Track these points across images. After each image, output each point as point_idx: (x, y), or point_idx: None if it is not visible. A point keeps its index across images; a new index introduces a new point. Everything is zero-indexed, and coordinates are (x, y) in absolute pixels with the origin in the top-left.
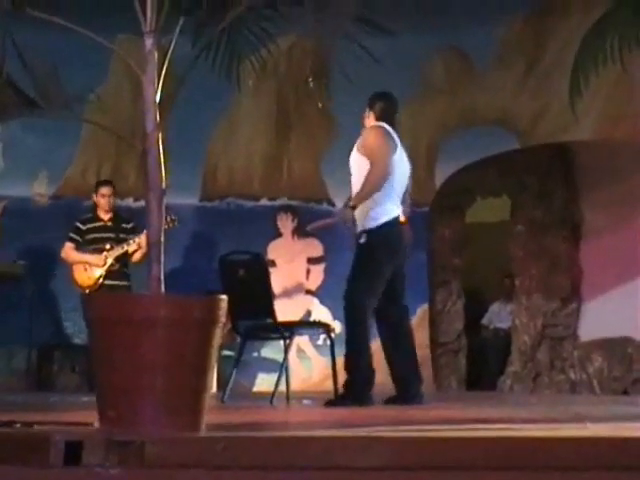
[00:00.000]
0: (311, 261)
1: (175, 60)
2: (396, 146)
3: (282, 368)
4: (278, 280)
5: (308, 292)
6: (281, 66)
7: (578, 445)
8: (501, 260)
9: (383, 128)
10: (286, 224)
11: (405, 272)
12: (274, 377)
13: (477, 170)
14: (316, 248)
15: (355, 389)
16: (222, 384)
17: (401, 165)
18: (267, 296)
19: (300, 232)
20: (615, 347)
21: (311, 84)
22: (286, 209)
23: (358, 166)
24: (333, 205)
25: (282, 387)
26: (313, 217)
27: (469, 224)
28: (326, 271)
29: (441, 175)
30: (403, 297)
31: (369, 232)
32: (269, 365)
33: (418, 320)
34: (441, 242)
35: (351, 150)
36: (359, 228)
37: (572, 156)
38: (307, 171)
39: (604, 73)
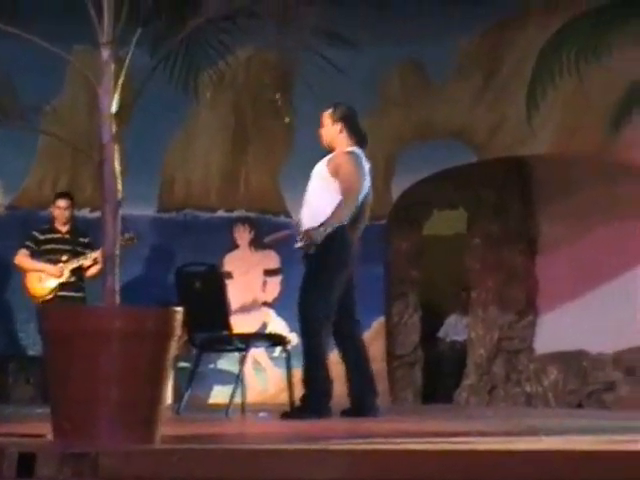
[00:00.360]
0: (268, 273)
1: (133, 71)
2: (365, 173)
3: (238, 380)
4: (234, 292)
5: (264, 304)
6: (239, 78)
7: (532, 458)
8: (458, 273)
9: (357, 156)
10: (243, 236)
11: (354, 284)
12: (230, 389)
13: (434, 183)
14: (273, 260)
15: (312, 401)
16: (178, 396)
17: (365, 184)
18: (223, 308)
19: (257, 244)
20: (570, 360)
21: (279, 101)
22: (243, 221)
23: (325, 184)
24: (290, 217)
25: (238, 399)
26: (270, 229)
27: (426, 237)
28: (283, 283)
29: (398, 188)
30: (354, 310)
31: (320, 242)
32: (225, 377)
33: (374, 333)
34: (398, 255)
35: (310, 162)
36: (328, 229)
37: (529, 169)
38: (264, 183)
39: (561, 85)
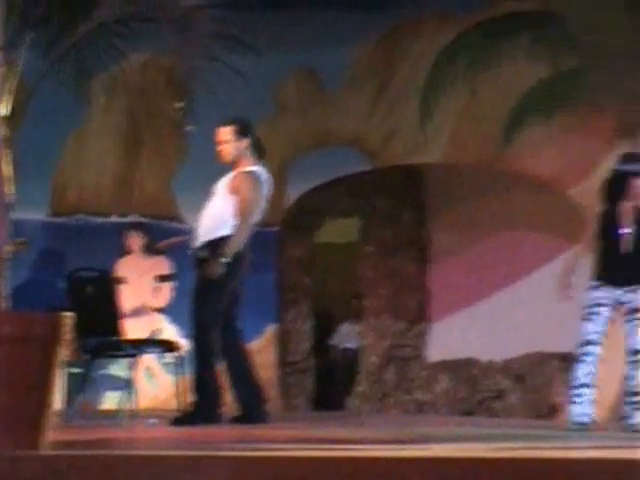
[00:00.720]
0: (160, 279)
1: (26, 74)
2: (264, 193)
3: (129, 386)
4: (126, 297)
5: (156, 310)
6: (133, 83)
7: (422, 465)
8: (350, 281)
9: (258, 177)
10: (136, 241)
11: (240, 293)
12: (121, 395)
13: (328, 190)
14: (165, 266)
15: (202, 407)
16: (68, 402)
17: (262, 204)
18: (114, 313)
19: (150, 249)
20: (461, 368)
21: (179, 109)
22: (136, 226)
23: (224, 202)
24: (184, 223)
25: (129, 405)
26: (163, 235)
27: (319, 244)
28: (175, 289)
29: (292, 195)
30: (237, 318)
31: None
32: (116, 383)
33: (266, 340)
34: (290, 262)
35: (204, 168)
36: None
37: (422, 178)
38: (158, 188)
39: (454, 95)
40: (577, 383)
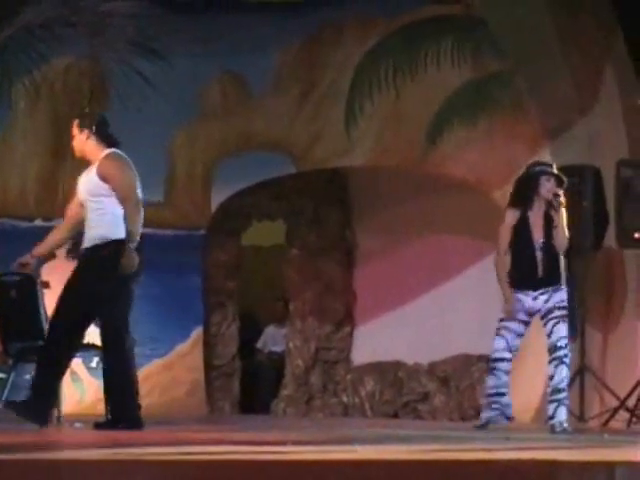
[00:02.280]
0: None
1: None
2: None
3: None
4: (52, 302)
5: None
6: (57, 86)
7: (345, 468)
8: (276, 283)
9: (120, 155)
10: None
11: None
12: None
13: (253, 194)
14: None
15: (124, 412)
16: None
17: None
18: (39, 318)
19: (75, 254)
20: (387, 371)
21: (87, 108)
22: None
23: (99, 193)
24: None
25: (54, 409)
26: None
27: (245, 247)
28: None
29: (217, 198)
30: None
31: (93, 249)
32: None
33: (192, 343)
34: (216, 265)
35: None
36: (86, 244)
37: (347, 181)
38: None
39: (379, 99)
40: (491, 392)
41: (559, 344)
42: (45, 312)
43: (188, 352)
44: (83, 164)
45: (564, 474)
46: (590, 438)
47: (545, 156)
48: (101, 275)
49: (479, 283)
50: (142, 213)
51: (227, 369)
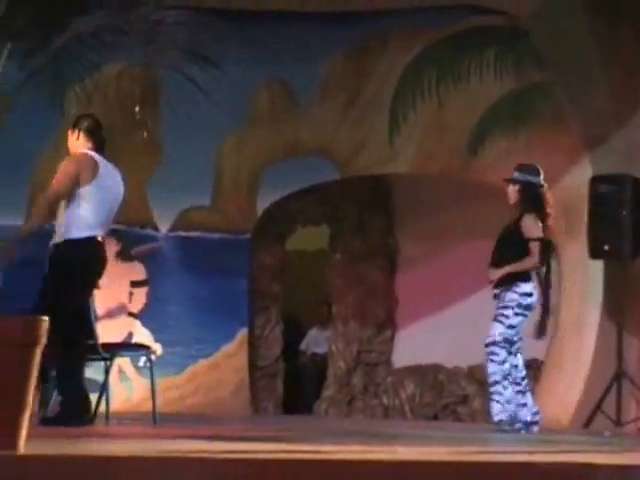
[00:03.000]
0: (134, 284)
1: (3, 85)
2: (97, 173)
3: (103, 388)
4: (101, 302)
5: (130, 314)
6: (109, 93)
7: (387, 468)
8: (319, 287)
9: (83, 156)
10: (110, 247)
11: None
12: (95, 397)
13: (298, 200)
14: (139, 272)
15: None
16: (43, 403)
17: (107, 190)
18: (89, 317)
19: (124, 255)
20: (426, 374)
21: (138, 114)
22: (110, 233)
23: None
24: (157, 230)
25: (103, 407)
26: (137, 241)
27: (289, 252)
28: (148, 294)
29: (263, 203)
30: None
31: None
32: (90, 385)
33: (238, 344)
34: (262, 269)
35: (177, 176)
36: (56, 239)
37: (390, 188)
38: (132, 196)
39: (422, 109)
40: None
41: (485, 342)
42: (95, 312)
43: (233, 353)
44: (132, 169)
45: (600, 476)
46: (626, 442)
47: (584, 166)
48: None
49: None
50: (46, 211)
51: (271, 370)
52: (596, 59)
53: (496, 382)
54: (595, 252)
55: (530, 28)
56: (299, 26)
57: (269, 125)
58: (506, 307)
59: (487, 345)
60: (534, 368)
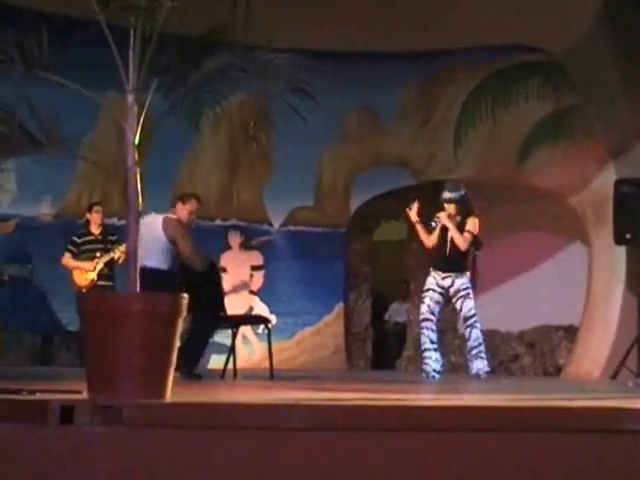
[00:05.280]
0: (254, 268)
1: (150, 112)
2: None
3: (230, 351)
4: (228, 283)
5: (251, 292)
6: (234, 117)
7: (455, 412)
8: (400, 269)
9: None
10: (235, 239)
11: None
12: (224, 357)
13: (382, 200)
14: (258, 258)
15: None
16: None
17: None
18: (220, 295)
19: (246, 246)
20: (485, 337)
21: (251, 131)
22: (235, 228)
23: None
24: (271, 225)
25: (230, 365)
26: (256, 234)
27: (376, 241)
28: (265, 276)
29: (355, 203)
30: None
31: None
32: (220, 348)
33: (336, 315)
34: (354, 255)
35: (287, 180)
36: None
37: None
38: (251, 198)
39: (480, 127)
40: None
41: (468, 314)
42: (223, 290)
43: (332, 322)
44: (251, 177)
45: (626, 418)
46: None
47: (610, 171)
48: None
49: (556, 270)
50: None
51: (362, 335)
52: (619, 85)
53: (480, 343)
54: (619, 239)
55: (565, 62)
56: (381, 62)
57: (358, 142)
58: (464, 289)
59: (472, 316)
60: (572, 332)
